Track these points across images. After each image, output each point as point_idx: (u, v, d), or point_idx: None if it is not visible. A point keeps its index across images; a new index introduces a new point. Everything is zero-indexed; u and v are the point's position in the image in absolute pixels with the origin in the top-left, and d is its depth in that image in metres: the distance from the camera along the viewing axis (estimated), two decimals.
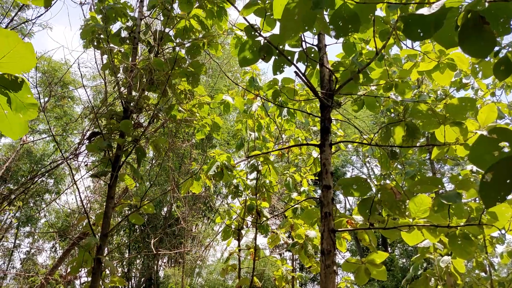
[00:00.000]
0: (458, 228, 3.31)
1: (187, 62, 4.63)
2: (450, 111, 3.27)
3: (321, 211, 3.30)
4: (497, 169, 1.59)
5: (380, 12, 3.88)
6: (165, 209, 13.11)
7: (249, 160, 5.83)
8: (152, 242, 4.95)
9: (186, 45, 4.62)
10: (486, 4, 1.25)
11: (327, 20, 2.14)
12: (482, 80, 6.31)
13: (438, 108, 4.61)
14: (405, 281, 5.55)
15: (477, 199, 3.68)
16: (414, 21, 1.37)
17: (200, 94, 5.14)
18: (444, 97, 6.15)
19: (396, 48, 4.30)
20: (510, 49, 3.23)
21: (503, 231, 7.17)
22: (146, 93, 4.68)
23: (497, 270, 12.14)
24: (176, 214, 9.92)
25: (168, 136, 5.31)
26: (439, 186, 3.10)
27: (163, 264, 13.40)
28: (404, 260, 22.07)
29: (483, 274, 8.40)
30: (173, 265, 12.06)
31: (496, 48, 3.21)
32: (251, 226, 5.88)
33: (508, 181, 1.62)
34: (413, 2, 1.99)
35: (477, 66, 3.59)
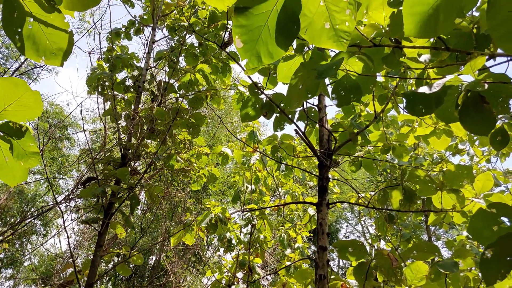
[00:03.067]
0: None
1: (189, 113, 4.70)
2: (447, 178, 3.29)
3: (316, 273, 3.22)
4: (497, 246, 1.58)
5: (379, 77, 4.02)
6: (154, 257, 12.74)
7: (244, 213, 5.77)
8: None
9: (189, 97, 4.72)
10: (486, 85, 1.30)
11: (328, 85, 2.21)
12: (479, 147, 6.43)
13: (434, 171, 4.65)
14: None
15: (473, 268, 3.61)
16: (416, 98, 1.42)
17: (199, 144, 5.18)
18: (440, 161, 6.22)
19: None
20: (506, 120, 3.32)
21: None
22: (145, 141, 4.71)
23: None
24: (165, 264, 9.63)
25: (163, 184, 5.28)
26: (436, 253, 3.05)
27: None
28: None
29: None
30: None
31: None
32: (242, 282, 5.69)
33: (508, 258, 1.60)
34: (412, 78, 2.06)
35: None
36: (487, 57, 1.48)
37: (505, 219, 1.70)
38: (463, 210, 3.54)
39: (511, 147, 3.38)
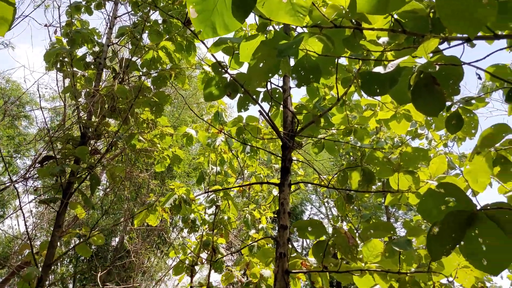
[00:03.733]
0: (408, 274, 3.37)
1: (152, 92, 4.61)
2: (404, 159, 3.40)
3: (276, 251, 3.28)
4: (443, 223, 1.65)
5: (343, 60, 4.07)
6: (116, 239, 12.56)
7: (209, 194, 5.77)
8: (99, 275, 4.69)
9: (153, 75, 4.61)
10: (437, 67, 1.34)
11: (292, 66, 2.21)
12: (435, 131, 6.68)
13: (395, 155, 4.80)
14: None
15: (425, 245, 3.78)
16: (371, 78, 1.45)
17: (163, 124, 5.10)
18: (400, 144, 6.41)
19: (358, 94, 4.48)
20: (461, 105, 3.45)
21: (450, 279, 7.37)
22: (106, 120, 4.59)
23: None
24: (128, 246, 9.53)
25: (125, 165, 5.18)
26: (392, 232, 3.18)
27: None
28: None
29: None
30: None
31: (448, 103, 3.42)
32: (206, 262, 5.73)
33: (453, 235, 1.68)
34: (372, 58, 2.10)
35: (430, 118, 3.79)
36: (440, 40, 1.52)
37: (452, 199, 1.78)
38: (418, 191, 3.68)
39: (465, 130, 3.52)
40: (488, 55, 1.43)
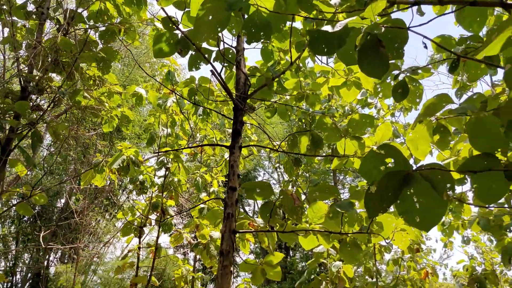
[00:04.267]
0: (349, 235, 3.55)
1: (99, 46, 4.37)
2: (351, 125, 3.50)
3: (224, 212, 3.32)
4: (381, 182, 1.72)
5: (298, 24, 4.04)
6: (62, 201, 12.18)
7: (159, 156, 5.68)
8: (41, 234, 4.54)
9: (100, 29, 4.36)
10: (383, 29, 1.36)
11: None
12: (384, 100, 6.91)
13: (344, 123, 4.93)
14: (298, 284, 5.80)
15: None
16: (320, 36, 1.44)
17: (111, 82, 4.88)
18: (350, 113, 6.59)
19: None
20: (408, 74, 3.57)
21: (388, 240, 7.82)
22: (49, 74, 4.32)
23: (383, 276, 13.26)
24: (74, 207, 9.27)
25: (70, 122, 4.94)
26: (336, 194, 3.30)
27: (55, 260, 12.42)
28: (303, 264, 23.15)
29: (370, 279, 9.13)
30: (66, 261, 11.22)
31: (396, 72, 3.52)
32: (155, 224, 5.72)
33: (390, 194, 1.76)
34: (326, 19, 2.09)
35: (379, 86, 3.89)
36: (388, 4, 1.53)
37: (391, 161, 1.85)
38: (363, 157, 3.83)
39: (410, 99, 3.66)
40: (432, 19, 1.46)
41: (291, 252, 24.98)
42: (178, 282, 5.74)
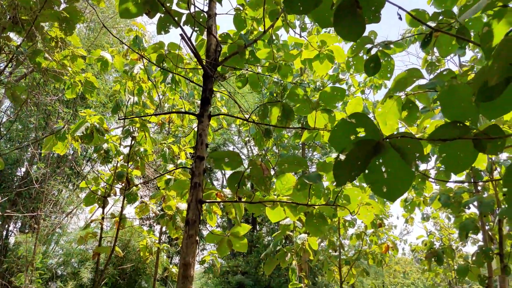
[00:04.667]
0: (316, 207, 3.57)
1: (63, 6, 4.09)
2: (323, 98, 3.47)
3: (191, 181, 3.25)
4: (351, 150, 1.70)
5: None
6: (23, 169, 11.71)
7: (124, 125, 5.50)
8: None
9: None
10: None
11: None
12: (355, 77, 6.93)
13: (315, 98, 4.91)
14: (264, 255, 5.86)
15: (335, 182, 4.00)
16: None
17: (74, 45, 4.62)
18: (321, 88, 6.58)
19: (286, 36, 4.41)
20: (380, 48, 3.55)
21: (353, 216, 7.99)
22: (7, 33, 4.03)
23: (345, 251, 13.71)
24: (36, 176, 8.93)
25: (31, 86, 4.66)
26: (304, 167, 3.29)
27: (15, 230, 12.04)
28: (269, 238, 23.59)
29: (334, 253, 9.39)
30: (27, 231, 10.90)
31: (369, 46, 3.49)
32: (120, 194, 5.58)
33: (359, 162, 1.74)
34: None
35: (351, 60, 3.86)
36: None
37: (362, 130, 1.83)
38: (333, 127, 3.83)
39: (381, 74, 3.65)
40: None
41: (257, 226, 25.36)
42: (143, 253, 5.68)
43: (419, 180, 6.57)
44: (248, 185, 3.22)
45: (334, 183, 3.95)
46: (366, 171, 1.75)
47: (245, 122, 6.48)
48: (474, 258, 5.86)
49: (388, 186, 1.73)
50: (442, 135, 1.48)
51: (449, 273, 9.83)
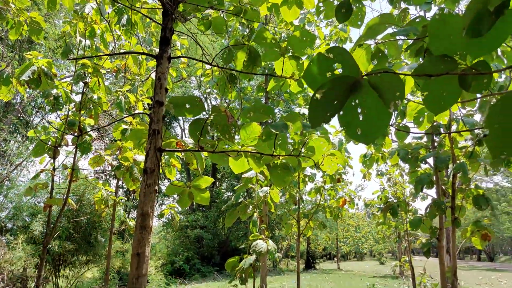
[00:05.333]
0: (281, 157, 3.47)
1: None
2: (291, 43, 3.28)
3: (149, 128, 3.03)
4: (328, 88, 1.56)
5: None
6: None
7: (76, 70, 5.08)
8: None
9: None
10: None
11: None
12: (324, 19, 6.74)
13: (283, 45, 4.70)
14: (225, 207, 5.81)
15: (299, 132, 3.91)
16: None
17: None
18: (287, 39, 6.36)
19: None
20: None
21: (313, 171, 8.02)
22: None
23: (305, 204, 14.06)
24: None
25: None
26: (271, 115, 3.14)
27: None
28: (229, 194, 23.82)
29: (293, 206, 9.55)
30: None
31: None
32: (72, 144, 5.24)
33: (335, 102, 1.61)
34: None
35: (321, 5, 3.66)
36: None
37: (339, 67, 1.68)
38: (300, 79, 3.68)
39: (352, 21, 3.50)
40: None
41: (217, 183, 25.49)
42: (98, 205, 5.45)
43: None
44: (211, 132, 3.04)
45: (300, 133, 3.83)
46: (341, 112, 1.63)
47: (207, 72, 6.19)
48: (427, 211, 6.10)
49: (363, 128, 1.62)
50: (429, 70, 1.36)
51: (401, 226, 10.33)
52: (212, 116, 2.90)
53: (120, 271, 13.53)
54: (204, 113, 3.12)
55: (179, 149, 3.30)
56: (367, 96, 1.58)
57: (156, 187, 2.99)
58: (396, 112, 6.06)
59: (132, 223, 7.06)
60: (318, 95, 1.59)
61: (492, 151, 1.40)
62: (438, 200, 5.95)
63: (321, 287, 13.39)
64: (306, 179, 9.19)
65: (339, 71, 1.68)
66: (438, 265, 6.77)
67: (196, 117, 2.98)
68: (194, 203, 25.02)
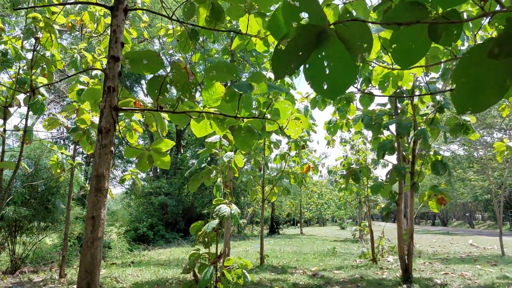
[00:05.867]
0: (245, 120, 3.37)
1: None
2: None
3: (104, 85, 2.83)
4: (294, 37, 1.45)
5: None
6: None
7: (26, 24, 4.69)
8: None
9: None
10: None
11: None
12: None
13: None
14: (188, 173, 5.71)
15: (266, 95, 3.81)
16: None
17: None
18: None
19: None
20: None
21: (279, 137, 7.96)
22: None
23: (270, 171, 14.17)
24: None
25: None
26: (234, 75, 3.00)
27: None
28: (193, 161, 23.63)
29: (258, 172, 9.56)
30: None
31: None
32: (23, 104, 4.91)
33: (300, 53, 1.51)
34: None
35: None
36: None
37: (305, 16, 1.58)
38: (266, 38, 3.54)
39: None
40: None
41: (182, 150, 25.20)
42: (54, 170, 5.21)
43: (344, 102, 6.67)
44: (171, 89, 2.88)
45: (265, 95, 3.73)
46: (307, 65, 1.54)
47: (169, 32, 5.91)
48: (388, 176, 6.25)
49: (329, 83, 1.54)
50: (399, 17, 1.28)
51: (362, 191, 10.62)
52: (171, 74, 2.74)
53: (81, 237, 13.30)
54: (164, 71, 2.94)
55: (137, 108, 3.13)
56: (334, 49, 1.48)
57: (112, 148, 2.83)
58: (361, 78, 6.05)
59: None
60: (282, 45, 1.48)
61: (458, 107, 1.35)
62: (399, 166, 6.09)
63: (284, 251, 13.74)
64: (272, 145, 9.19)
65: (306, 21, 1.58)
66: (396, 230, 7.03)
67: (154, 75, 2.80)
68: (158, 170, 24.64)
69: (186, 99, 2.91)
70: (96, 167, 2.74)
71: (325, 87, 1.56)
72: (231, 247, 15.73)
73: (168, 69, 2.87)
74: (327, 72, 1.54)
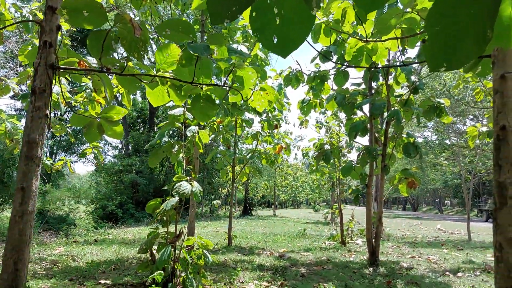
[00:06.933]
0: (203, 87, 3.08)
1: None
2: None
3: (40, 40, 2.48)
4: None
5: None
6: None
7: None
8: None
9: None
10: None
11: None
12: None
13: None
14: (148, 146, 5.39)
15: (231, 61, 3.52)
16: None
17: None
18: None
19: None
20: None
21: (251, 116, 7.64)
22: None
23: (241, 150, 13.93)
24: None
25: None
26: (192, 35, 2.69)
27: None
28: (167, 139, 23.14)
29: (227, 151, 9.28)
30: None
31: None
32: None
33: None
34: None
35: None
36: None
37: None
38: None
39: None
40: None
41: (155, 127, 24.62)
42: (2, 140, 4.80)
43: (318, 81, 6.43)
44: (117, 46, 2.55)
45: (229, 61, 3.42)
46: (253, 12, 1.27)
47: None
48: (359, 158, 6.10)
49: (280, 35, 1.28)
50: None
51: (334, 174, 10.52)
52: (116, 28, 2.40)
53: (44, 213, 12.84)
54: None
55: (78, 68, 2.79)
56: None
57: (48, 111, 2.50)
58: (336, 56, 5.81)
59: (49, 162, 6.44)
60: None
61: (431, 61, 1.12)
62: (370, 147, 5.94)
63: (254, 232, 13.64)
64: (244, 124, 8.91)
65: None
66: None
67: (97, 29, 2.47)
68: (130, 147, 23.94)
69: (135, 59, 2.58)
70: (27, 132, 2.41)
71: (275, 40, 1.30)
72: (201, 227, 15.52)
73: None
74: (277, 22, 1.28)
